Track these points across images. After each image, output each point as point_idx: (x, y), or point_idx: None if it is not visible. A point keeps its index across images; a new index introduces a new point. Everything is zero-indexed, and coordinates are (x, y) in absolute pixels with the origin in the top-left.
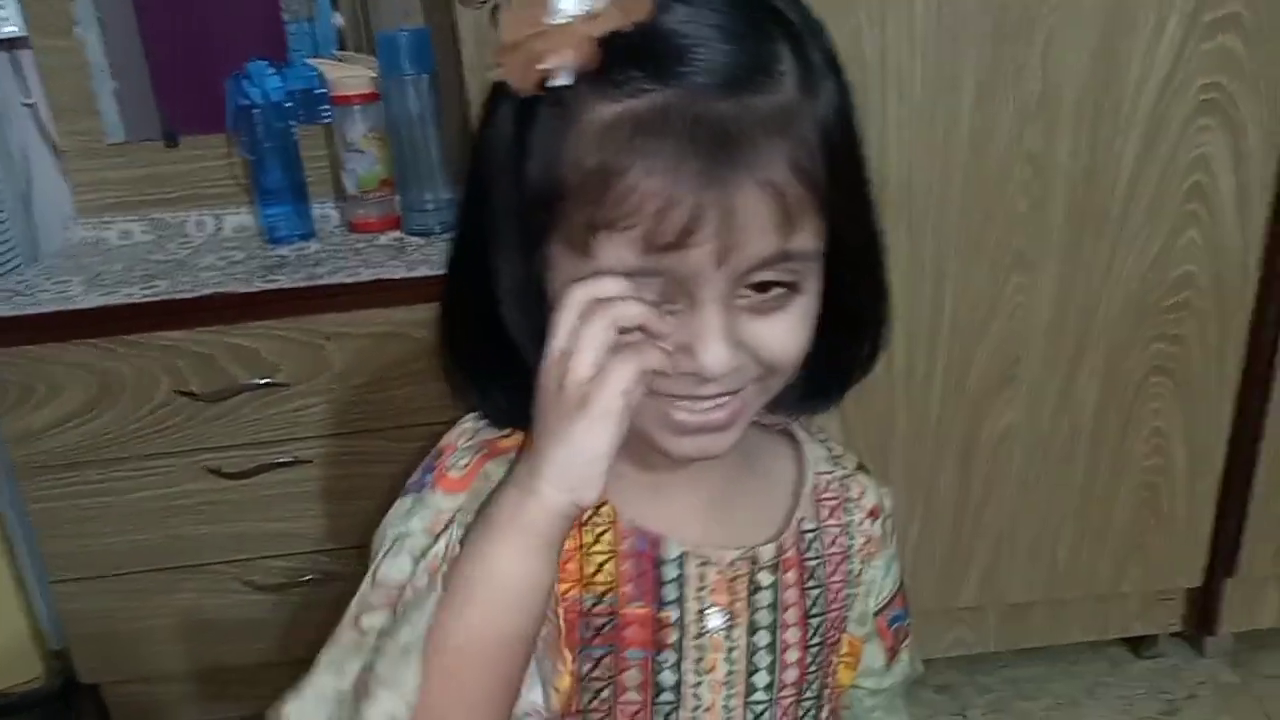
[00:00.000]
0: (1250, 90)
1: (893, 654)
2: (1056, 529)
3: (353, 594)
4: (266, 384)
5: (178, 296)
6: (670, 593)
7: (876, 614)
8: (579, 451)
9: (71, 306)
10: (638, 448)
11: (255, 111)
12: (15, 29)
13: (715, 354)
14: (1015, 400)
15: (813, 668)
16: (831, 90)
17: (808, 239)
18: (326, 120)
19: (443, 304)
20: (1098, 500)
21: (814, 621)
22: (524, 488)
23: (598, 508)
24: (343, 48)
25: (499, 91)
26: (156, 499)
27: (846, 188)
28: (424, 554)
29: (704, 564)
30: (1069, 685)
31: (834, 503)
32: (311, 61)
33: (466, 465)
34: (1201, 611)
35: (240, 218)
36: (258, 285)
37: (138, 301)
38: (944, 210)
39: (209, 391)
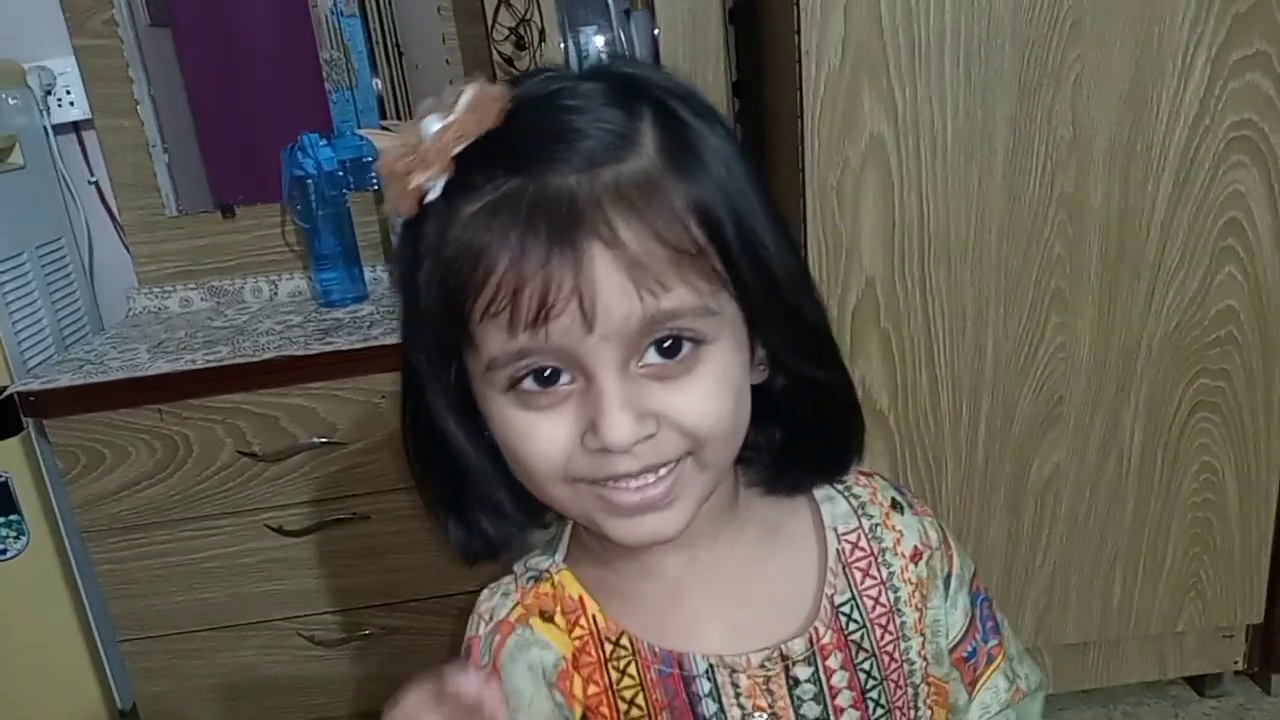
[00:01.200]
0: None
1: (972, 686)
2: (1109, 568)
3: (410, 651)
4: (325, 443)
5: (239, 361)
6: (708, 707)
7: (952, 650)
8: None
9: (138, 374)
10: (640, 560)
11: (309, 181)
12: (81, 112)
13: (615, 425)
14: (1061, 441)
15: None
16: (714, 170)
17: (685, 296)
18: (376, 187)
19: (404, 445)
20: (1149, 538)
21: (872, 694)
22: None
23: (616, 640)
24: (383, 112)
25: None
26: (220, 558)
27: (742, 259)
28: None
29: (733, 672)
30: None
31: (865, 561)
32: (360, 131)
33: (490, 652)
34: (1265, 648)
35: (295, 283)
36: (315, 348)
37: (201, 367)
38: (981, 257)
39: (270, 451)
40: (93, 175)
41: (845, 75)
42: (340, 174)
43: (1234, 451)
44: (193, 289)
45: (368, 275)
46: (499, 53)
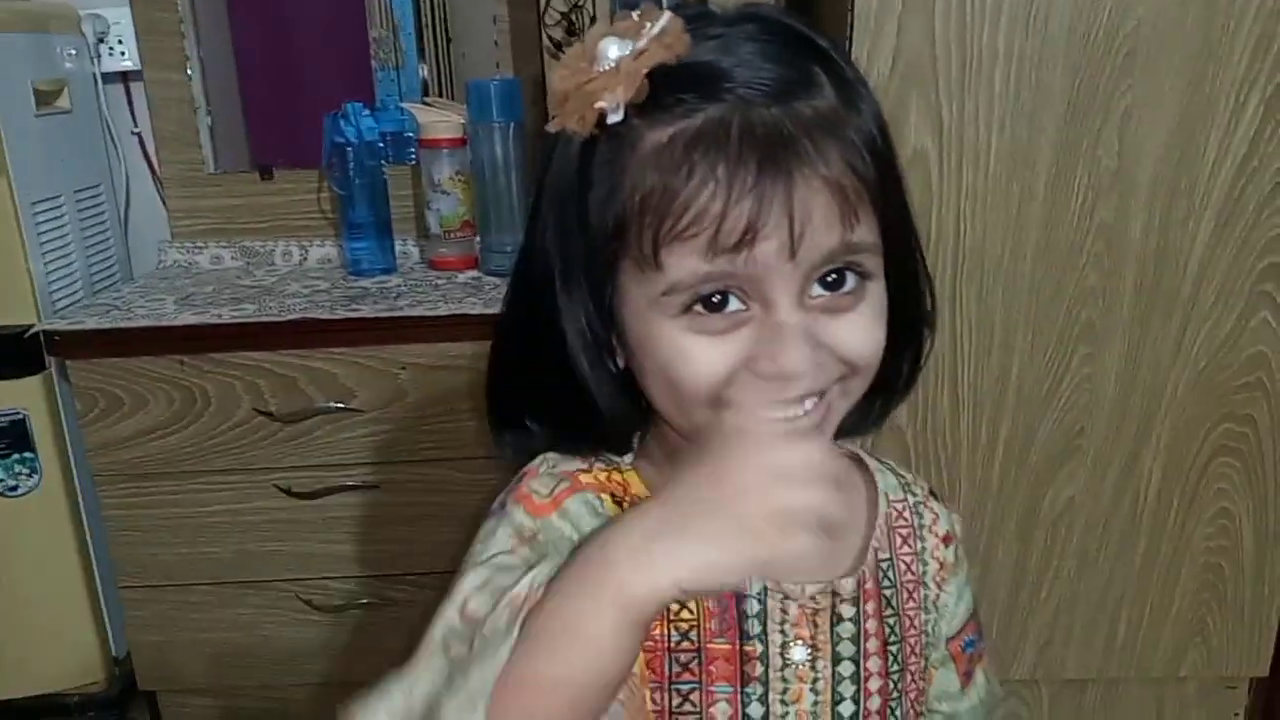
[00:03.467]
0: None
1: (967, 677)
2: (1115, 607)
3: (411, 620)
4: (341, 408)
5: (264, 319)
6: (753, 627)
7: (949, 640)
8: (724, 562)
9: (164, 323)
10: None
11: (349, 149)
12: (131, 63)
13: (795, 353)
14: (1077, 474)
15: (895, 695)
16: (870, 103)
17: (868, 231)
18: (413, 161)
19: (496, 346)
20: (1158, 580)
21: (893, 649)
22: (640, 565)
23: None
24: (425, 95)
25: (556, 139)
26: (227, 514)
27: (892, 193)
28: (506, 590)
29: (785, 598)
30: None
31: (906, 530)
32: (404, 105)
33: (551, 492)
34: (1268, 703)
35: (325, 249)
36: (340, 313)
37: (226, 322)
38: (1014, 280)
39: (286, 412)
40: (136, 126)
41: (893, 85)
42: (380, 145)
43: (1253, 500)
44: (224, 247)
45: (398, 248)
46: (549, 37)
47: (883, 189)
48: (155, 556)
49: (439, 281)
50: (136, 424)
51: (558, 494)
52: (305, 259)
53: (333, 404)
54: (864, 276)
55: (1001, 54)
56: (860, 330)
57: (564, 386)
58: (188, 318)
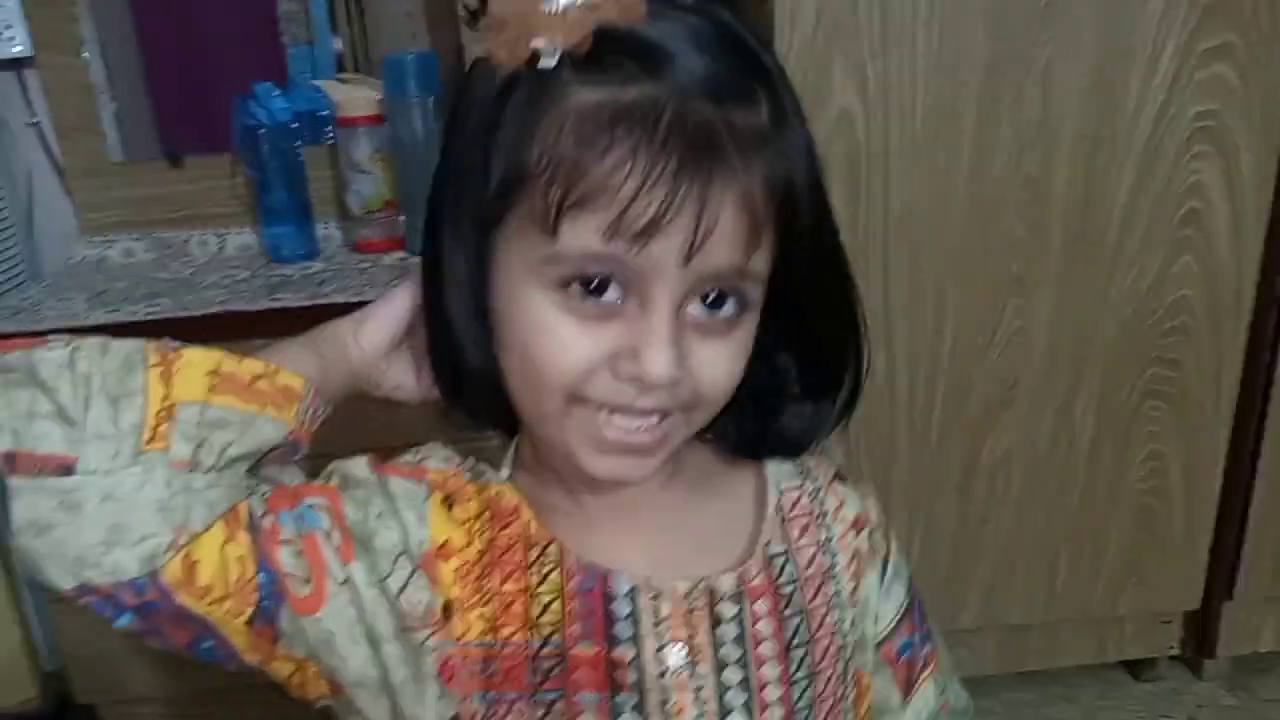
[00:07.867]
0: (1243, 117)
1: (908, 686)
2: (1054, 552)
3: None
4: None
5: (182, 315)
6: (624, 630)
7: (880, 643)
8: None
9: (75, 323)
10: (578, 481)
11: (261, 132)
12: (22, 48)
13: (661, 359)
14: (1013, 424)
15: (801, 704)
16: (801, 136)
17: (762, 261)
18: (331, 141)
19: (423, 297)
20: (1095, 523)
21: (796, 654)
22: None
23: (545, 547)
24: (341, 71)
25: (478, 68)
26: None
27: (807, 225)
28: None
29: (656, 597)
30: (1067, 709)
31: (806, 520)
32: (317, 83)
33: (394, 463)
34: (1200, 635)
35: (243, 237)
36: (262, 304)
37: (141, 320)
38: (944, 236)
39: None
40: (33, 116)
41: (818, 44)
42: (294, 125)
43: (1182, 440)
44: (136, 239)
45: (319, 231)
46: (464, 6)
47: (793, 222)
48: None
49: (363, 265)
50: None
51: (393, 464)
52: (223, 248)
53: None
54: (744, 307)
55: (923, 10)
56: (723, 361)
57: (443, 334)
58: (100, 317)
